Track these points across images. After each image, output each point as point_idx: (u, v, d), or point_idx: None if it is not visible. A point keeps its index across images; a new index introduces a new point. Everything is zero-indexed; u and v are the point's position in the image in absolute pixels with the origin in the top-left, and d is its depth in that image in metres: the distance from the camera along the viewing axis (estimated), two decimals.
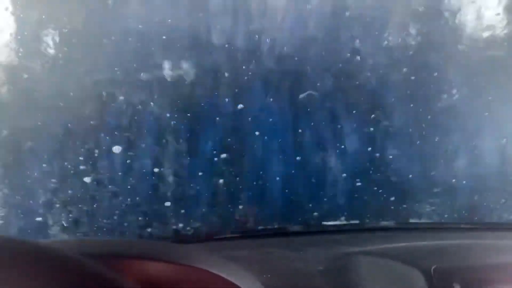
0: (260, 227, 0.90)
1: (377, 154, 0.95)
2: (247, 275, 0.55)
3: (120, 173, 0.87)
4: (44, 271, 0.31)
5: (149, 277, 0.39)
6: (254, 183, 0.92)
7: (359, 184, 0.95)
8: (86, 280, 0.32)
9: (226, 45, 0.87)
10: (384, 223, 0.94)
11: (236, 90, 0.88)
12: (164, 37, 0.84)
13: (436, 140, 0.96)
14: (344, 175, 0.94)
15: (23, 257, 0.31)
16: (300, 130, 0.92)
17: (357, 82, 0.92)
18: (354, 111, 0.93)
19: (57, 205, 0.87)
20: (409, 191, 0.97)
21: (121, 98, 0.85)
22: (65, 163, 0.86)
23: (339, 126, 0.93)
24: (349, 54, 0.91)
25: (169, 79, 0.86)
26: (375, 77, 0.92)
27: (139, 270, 0.40)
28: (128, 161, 0.87)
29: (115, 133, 0.86)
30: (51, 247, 0.32)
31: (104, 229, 0.88)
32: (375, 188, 0.95)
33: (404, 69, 0.93)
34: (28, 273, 0.31)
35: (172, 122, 0.87)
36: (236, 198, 0.91)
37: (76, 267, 0.32)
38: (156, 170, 0.88)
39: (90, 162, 0.86)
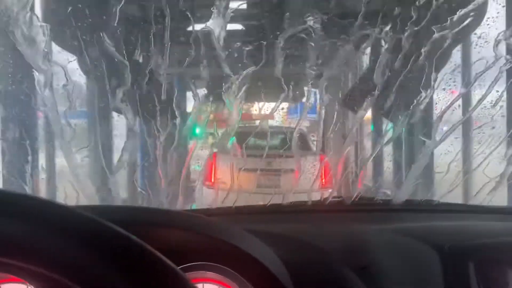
0: (280, 203, 0.90)
1: None
2: (265, 248, 0.56)
3: None
4: (74, 233, 0.32)
5: (172, 245, 0.40)
6: None
7: None
8: (113, 244, 0.33)
9: None
10: (401, 203, 0.93)
11: None
12: None
13: None
14: None
15: (53, 218, 0.32)
16: None
17: None
18: None
19: None
20: None
21: None
22: None
23: None
24: None
25: None
26: None
27: (163, 238, 0.41)
28: None
29: None
30: (79, 211, 0.33)
31: None
32: None
33: None
34: (58, 234, 0.32)
35: None
36: None
37: (104, 231, 0.33)
38: None
39: None
